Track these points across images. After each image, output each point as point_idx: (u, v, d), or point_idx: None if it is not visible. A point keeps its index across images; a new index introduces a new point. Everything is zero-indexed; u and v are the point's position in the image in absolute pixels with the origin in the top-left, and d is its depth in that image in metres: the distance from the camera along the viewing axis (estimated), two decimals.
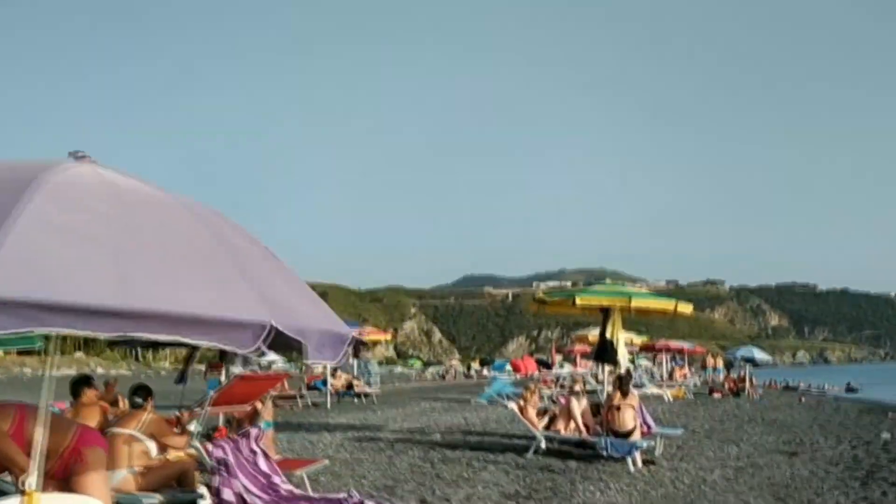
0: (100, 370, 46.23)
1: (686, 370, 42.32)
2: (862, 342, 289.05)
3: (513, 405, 12.05)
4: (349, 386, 24.38)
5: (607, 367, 13.41)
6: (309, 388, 24.48)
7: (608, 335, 12.82)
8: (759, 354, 34.92)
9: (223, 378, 22.82)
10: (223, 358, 13.65)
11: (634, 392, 12.13)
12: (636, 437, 11.50)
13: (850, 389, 57.52)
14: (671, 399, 26.75)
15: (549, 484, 9.83)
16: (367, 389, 25.08)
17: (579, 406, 11.97)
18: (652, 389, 28.81)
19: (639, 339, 31.70)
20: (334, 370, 25.27)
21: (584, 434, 11.63)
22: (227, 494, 6.30)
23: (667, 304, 12.73)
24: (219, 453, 6.47)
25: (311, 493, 6.91)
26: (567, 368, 38.00)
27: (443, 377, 67.92)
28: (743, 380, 33.29)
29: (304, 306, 3.73)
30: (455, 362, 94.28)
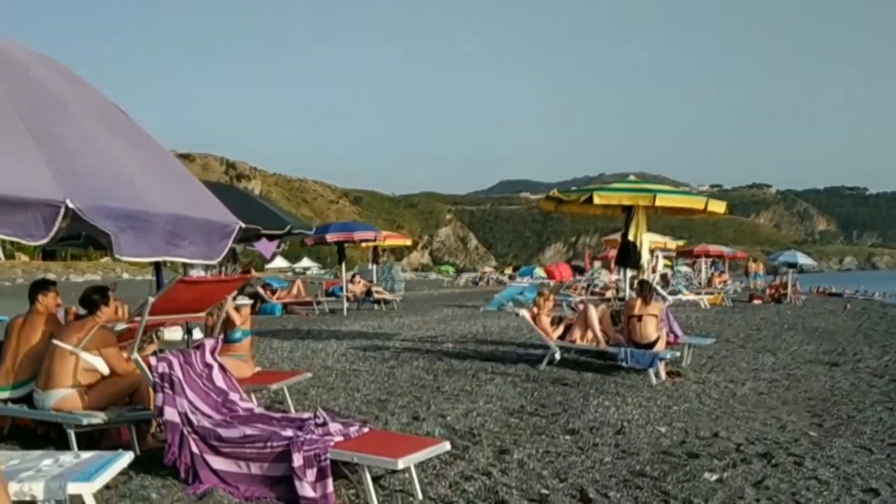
0: (126, 275, 46.12)
1: (726, 276, 41.17)
2: None
3: (524, 313, 11.13)
4: (368, 292, 23.50)
5: (629, 272, 12.36)
6: (328, 294, 23.66)
7: (630, 237, 11.78)
8: (803, 259, 33.63)
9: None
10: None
11: (659, 299, 11.15)
12: (660, 347, 10.57)
13: None
14: (708, 306, 25.75)
15: (560, 398, 8.99)
16: (387, 296, 24.21)
17: (597, 314, 11.03)
18: (688, 296, 27.78)
19: (674, 244, 30.48)
20: (353, 275, 24.55)
21: (602, 344, 10.71)
22: (170, 413, 5.49)
23: (695, 202, 11.58)
24: (163, 367, 5.63)
25: (272, 413, 6.08)
26: (604, 275, 36.95)
27: (476, 283, 67.38)
28: (785, 286, 32.13)
29: (155, 187, 2.75)
30: (489, 269, 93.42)
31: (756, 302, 30.34)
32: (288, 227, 8.52)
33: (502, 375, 10.26)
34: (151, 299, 5.57)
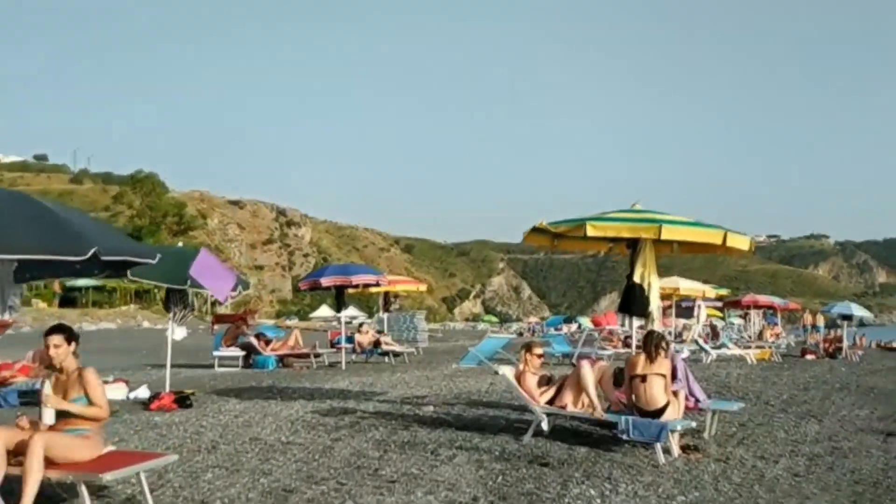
0: (146, 324, 44.81)
1: (779, 329, 38.64)
2: None
3: (506, 371, 9.14)
4: (377, 343, 21.46)
5: (636, 322, 10.22)
6: (332, 344, 21.67)
7: (636, 278, 9.76)
8: (859, 311, 31.01)
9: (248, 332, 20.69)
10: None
11: (669, 355, 9.09)
12: (670, 415, 8.51)
13: None
14: (755, 362, 23.36)
15: (530, 486, 7.02)
16: (397, 347, 22.06)
17: (596, 372, 8.99)
18: (734, 350, 25.43)
19: (714, 293, 28.15)
20: (360, 324, 22.64)
21: (598, 411, 8.66)
22: None
23: (710, 235, 9.50)
24: None
25: None
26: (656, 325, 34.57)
27: (520, 334, 65.10)
28: (840, 340, 29.59)
29: None
30: (534, 319, 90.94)
31: (809, 357, 27.86)
32: (92, 252, 5.59)
33: (470, 451, 8.29)
34: None
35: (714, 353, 24.09)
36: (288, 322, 64.21)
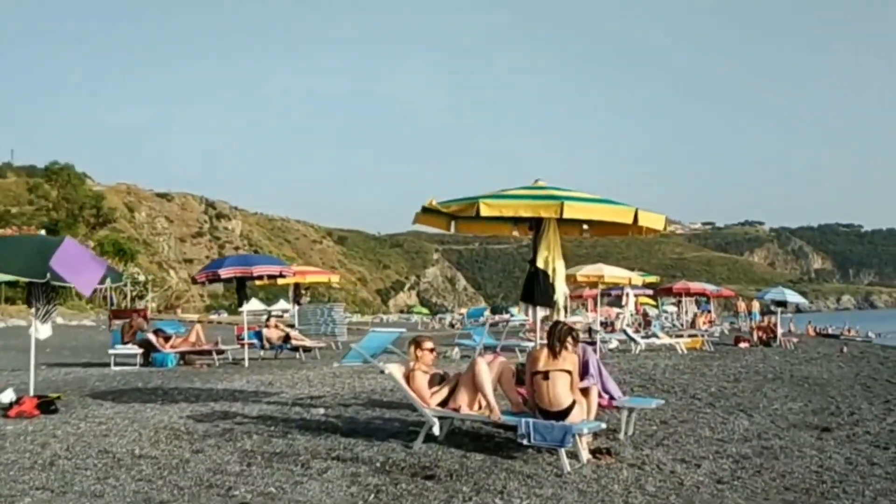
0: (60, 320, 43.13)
1: (712, 316, 38.25)
2: None
3: (393, 369, 8.04)
4: (286, 338, 20.17)
5: (539, 312, 9.11)
6: (238, 339, 20.27)
7: (540, 263, 8.70)
8: (792, 297, 30.53)
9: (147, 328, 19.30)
10: None
11: (577, 348, 8.08)
12: (576, 416, 7.50)
13: None
14: (685, 351, 22.59)
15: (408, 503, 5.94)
16: (308, 343, 20.72)
17: (495, 369, 7.94)
18: (664, 339, 24.67)
19: (641, 279, 27.28)
20: (267, 318, 21.27)
21: (496, 413, 7.59)
22: None
23: (619, 213, 8.42)
24: None
25: None
26: (580, 315, 33.75)
27: (452, 326, 64.26)
28: (774, 327, 29.06)
29: None
30: (465, 310, 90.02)
31: (743, 345, 27.27)
32: None
33: (348, 462, 7.16)
34: None
35: (643, 342, 23.32)
36: (213, 317, 62.56)
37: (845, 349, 28.44)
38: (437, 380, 8.12)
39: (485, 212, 8.02)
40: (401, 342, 9.64)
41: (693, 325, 32.96)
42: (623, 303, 28.03)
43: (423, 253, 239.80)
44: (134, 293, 64.10)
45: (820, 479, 7.27)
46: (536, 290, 8.70)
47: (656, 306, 42.06)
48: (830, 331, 54.23)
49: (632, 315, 31.72)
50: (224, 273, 17.96)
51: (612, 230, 9.86)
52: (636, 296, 34.58)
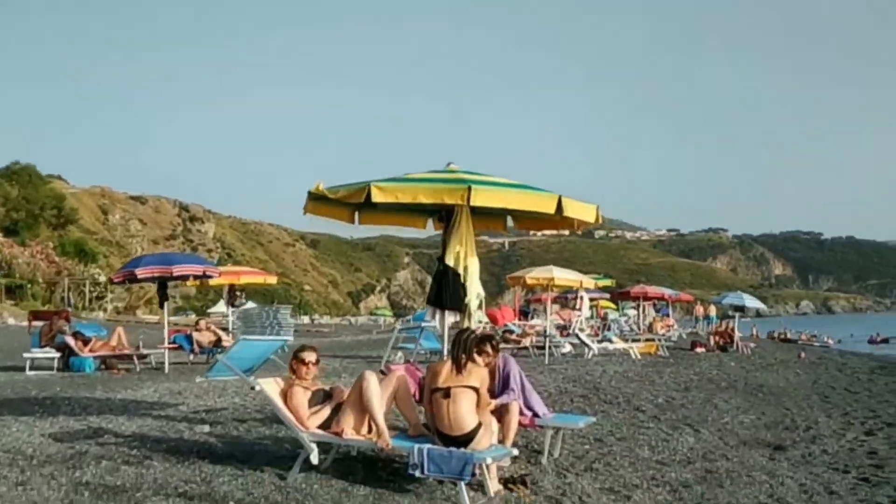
0: (11, 321, 41.61)
1: (670, 321, 37.37)
2: (867, 291, 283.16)
3: (265, 385, 6.82)
4: (218, 341, 18.70)
5: (448, 317, 7.81)
6: (172, 342, 18.62)
7: (449, 261, 7.50)
8: (751, 301, 29.72)
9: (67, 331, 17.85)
10: None
11: (493, 361, 6.94)
12: (482, 442, 6.33)
13: (876, 342, 53.08)
14: (638, 357, 21.55)
15: None
16: None
17: (392, 385, 6.75)
18: (617, 344, 23.62)
19: (593, 283, 26.26)
20: (197, 321, 19.90)
21: (385, 438, 6.37)
22: None
23: (538, 202, 7.18)
24: None
25: None
26: (540, 319, 32.46)
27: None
28: (732, 332, 28.18)
29: None
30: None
31: (699, 350, 26.34)
32: None
33: (196, 499, 5.88)
34: None
35: (596, 347, 22.26)
36: (186, 318, 60.60)
37: (803, 355, 27.67)
38: (319, 397, 6.88)
39: (377, 197, 6.76)
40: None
41: (651, 329, 32.00)
42: (577, 306, 26.95)
43: (394, 257, 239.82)
44: (94, 294, 62.22)
45: None
46: (445, 291, 7.48)
47: (617, 310, 41.16)
48: (789, 335, 53.73)
49: (588, 320, 30.71)
50: (141, 273, 16.57)
51: (539, 224, 8.72)
52: (596, 300, 33.59)
